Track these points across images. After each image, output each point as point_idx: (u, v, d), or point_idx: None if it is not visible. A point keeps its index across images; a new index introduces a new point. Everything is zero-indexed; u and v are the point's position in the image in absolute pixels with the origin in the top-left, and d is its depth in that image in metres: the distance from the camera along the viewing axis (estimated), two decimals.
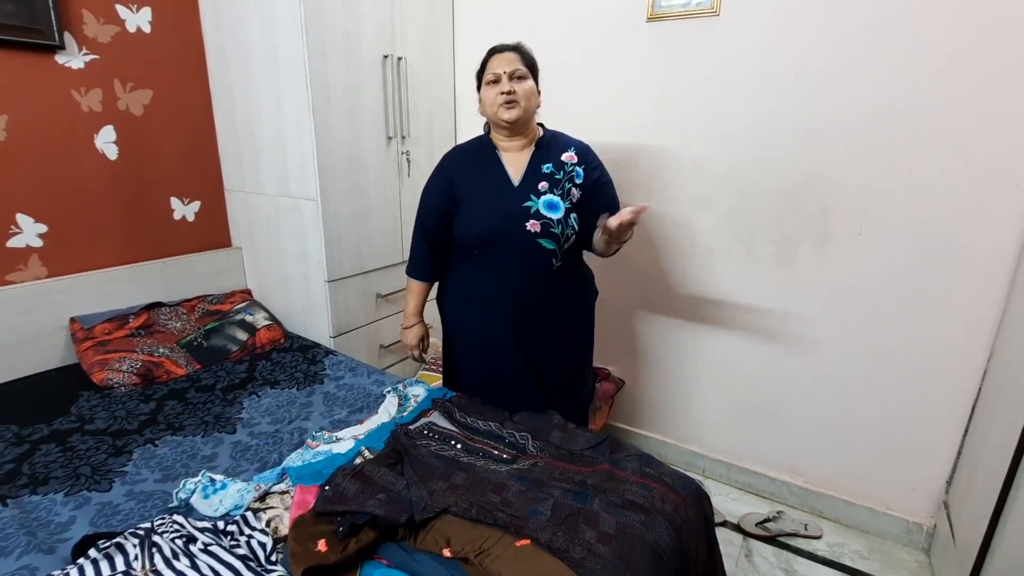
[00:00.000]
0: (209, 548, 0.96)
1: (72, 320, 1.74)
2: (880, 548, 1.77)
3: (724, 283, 1.92)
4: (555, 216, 1.42)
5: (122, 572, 0.91)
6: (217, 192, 2.15)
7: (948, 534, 1.59)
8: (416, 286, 1.64)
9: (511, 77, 1.40)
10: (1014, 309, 1.46)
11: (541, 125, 1.54)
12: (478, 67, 1.50)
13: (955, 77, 1.46)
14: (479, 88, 1.49)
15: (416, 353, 1.73)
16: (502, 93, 1.39)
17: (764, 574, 1.66)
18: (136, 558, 0.93)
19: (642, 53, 1.88)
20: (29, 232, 1.68)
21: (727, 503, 1.97)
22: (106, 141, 1.81)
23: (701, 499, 1.19)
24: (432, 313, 1.72)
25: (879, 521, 1.81)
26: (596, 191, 1.49)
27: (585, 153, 1.51)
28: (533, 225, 1.41)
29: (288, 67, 1.76)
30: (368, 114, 1.93)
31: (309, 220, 1.88)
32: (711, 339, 1.99)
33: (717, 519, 1.77)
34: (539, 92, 1.47)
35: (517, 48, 1.45)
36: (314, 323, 2.01)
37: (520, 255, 1.43)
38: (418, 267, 1.62)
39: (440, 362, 2.14)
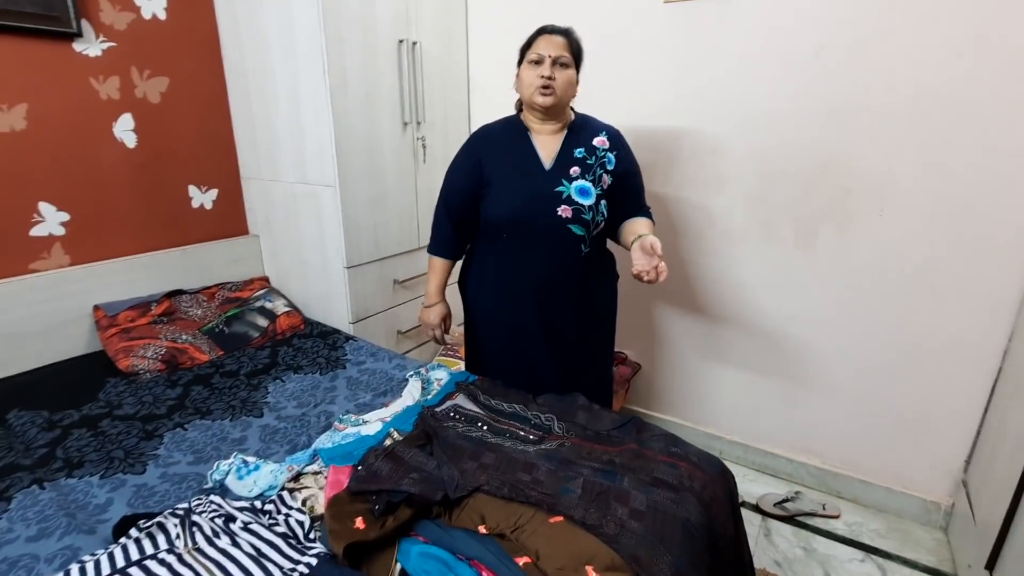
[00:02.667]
0: (249, 526, 0.98)
1: (96, 308, 1.76)
2: (898, 527, 1.78)
3: (742, 265, 1.92)
4: (587, 202, 1.41)
5: (165, 550, 0.93)
6: (234, 180, 2.15)
7: (967, 512, 1.60)
8: (439, 264, 1.63)
9: (555, 63, 1.38)
10: None
11: (572, 108, 1.53)
12: (523, 42, 1.46)
13: (978, 57, 1.44)
14: (520, 63, 1.46)
15: (437, 333, 1.72)
16: (541, 77, 1.37)
17: (784, 553, 1.68)
18: (178, 536, 0.95)
19: (660, 36, 1.86)
20: (52, 221, 1.69)
21: (745, 484, 1.98)
22: (124, 129, 1.81)
23: (726, 477, 1.20)
24: (453, 298, 1.73)
25: (897, 500, 1.82)
26: (625, 180, 1.49)
27: (617, 139, 1.50)
28: (564, 211, 1.40)
29: (305, 52, 1.75)
30: (384, 100, 1.93)
31: (327, 206, 1.88)
32: (728, 321, 2.00)
33: None
34: (578, 82, 1.45)
35: (568, 33, 1.42)
36: (333, 309, 2.02)
37: (550, 240, 1.42)
38: (441, 245, 1.60)
39: (458, 347, 2.15)
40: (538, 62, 1.38)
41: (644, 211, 1.54)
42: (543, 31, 1.42)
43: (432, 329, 1.70)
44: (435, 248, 1.62)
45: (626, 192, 1.49)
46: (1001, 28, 1.41)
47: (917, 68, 1.52)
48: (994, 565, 1.38)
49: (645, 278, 1.26)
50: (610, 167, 1.46)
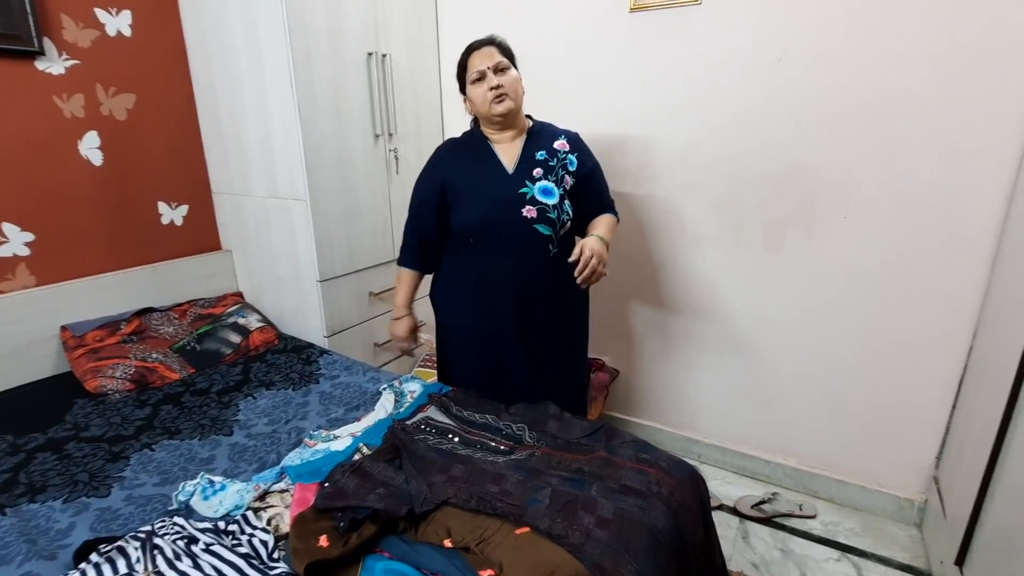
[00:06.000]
0: (211, 548, 0.96)
1: (63, 328, 1.73)
2: (873, 525, 1.80)
3: (714, 269, 1.94)
4: (551, 202, 1.44)
5: (124, 575, 0.91)
6: (205, 195, 2.14)
7: (939, 508, 1.62)
8: (407, 276, 1.64)
9: (495, 71, 1.42)
10: (997, 286, 1.49)
11: (529, 116, 1.56)
12: (457, 68, 1.51)
13: (936, 60, 1.48)
14: (463, 89, 1.51)
15: (406, 345, 1.73)
16: (491, 88, 1.41)
17: (761, 555, 1.69)
18: (138, 560, 0.94)
19: (626, 44, 1.88)
20: (16, 241, 1.66)
21: (723, 487, 1.99)
22: (90, 147, 1.79)
23: (697, 482, 1.21)
24: (425, 310, 1.73)
25: (872, 499, 1.84)
26: (588, 181, 1.54)
27: (576, 141, 1.55)
28: (529, 211, 1.42)
29: (272, 66, 1.75)
30: (355, 112, 1.93)
31: (299, 220, 1.88)
32: (702, 325, 2.01)
33: (713, 503, 1.79)
34: (521, 79, 1.49)
35: (493, 41, 1.47)
36: (307, 323, 2.01)
37: (517, 242, 1.44)
38: (409, 256, 1.62)
39: (434, 358, 2.14)
40: (481, 78, 1.43)
41: (609, 208, 1.61)
42: (471, 49, 1.47)
43: (401, 342, 1.72)
44: (404, 259, 1.64)
45: (589, 192, 1.54)
46: (958, 33, 1.44)
47: (877, 72, 1.55)
48: (964, 560, 1.40)
49: (578, 279, 1.38)
50: (572, 168, 1.50)
